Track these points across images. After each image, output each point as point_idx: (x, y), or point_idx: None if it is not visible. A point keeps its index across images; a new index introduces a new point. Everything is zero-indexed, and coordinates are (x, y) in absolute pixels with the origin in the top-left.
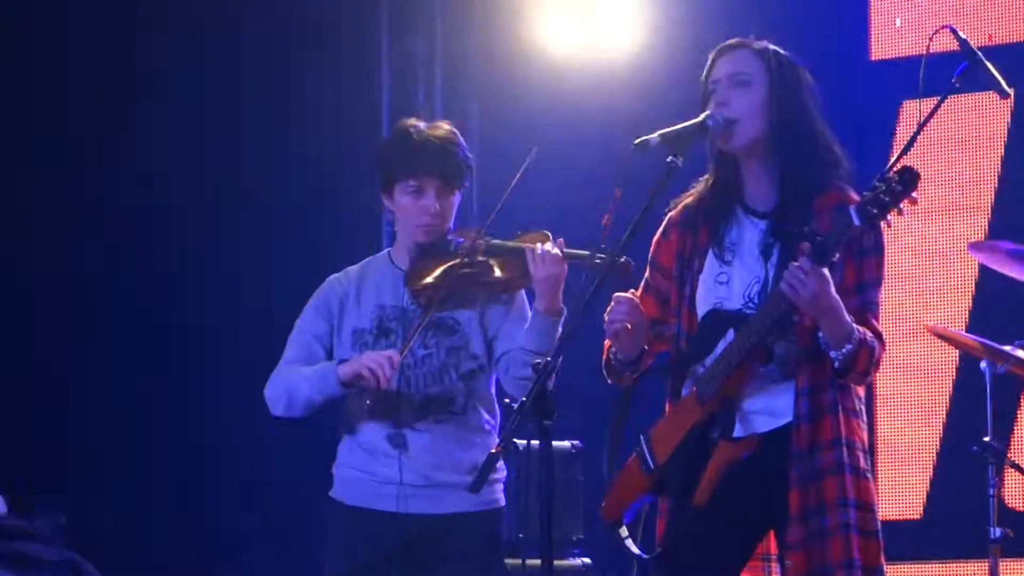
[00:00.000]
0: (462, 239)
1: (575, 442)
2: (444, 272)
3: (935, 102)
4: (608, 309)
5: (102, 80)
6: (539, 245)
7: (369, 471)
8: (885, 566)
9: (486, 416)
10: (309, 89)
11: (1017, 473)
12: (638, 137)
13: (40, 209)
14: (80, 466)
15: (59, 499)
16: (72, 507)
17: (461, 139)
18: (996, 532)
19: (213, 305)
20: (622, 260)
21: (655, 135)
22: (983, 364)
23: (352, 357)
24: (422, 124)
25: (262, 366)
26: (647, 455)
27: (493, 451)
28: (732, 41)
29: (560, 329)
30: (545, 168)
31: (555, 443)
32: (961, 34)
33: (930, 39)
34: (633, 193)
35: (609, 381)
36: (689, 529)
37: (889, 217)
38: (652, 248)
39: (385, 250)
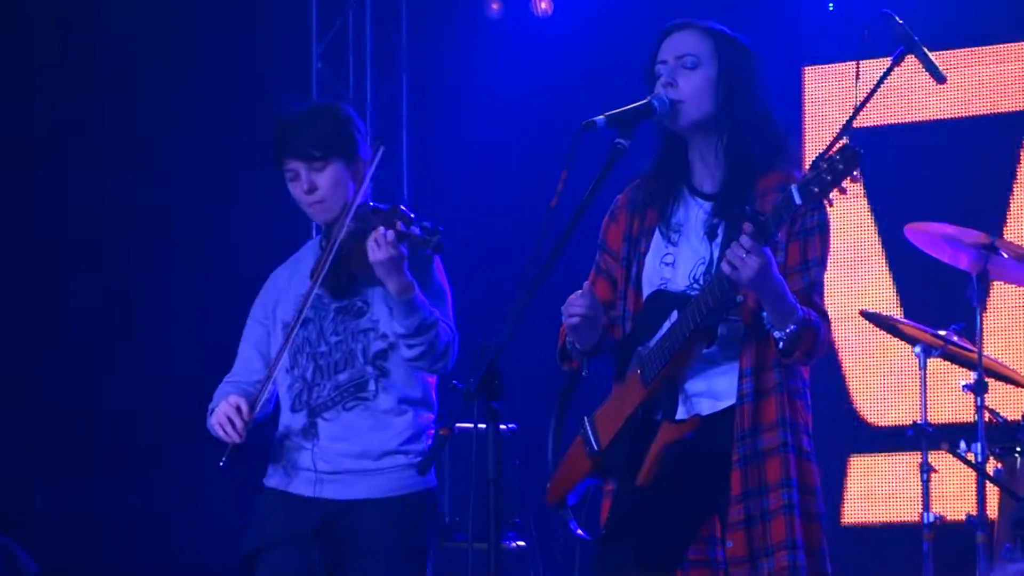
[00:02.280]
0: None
1: (510, 425)
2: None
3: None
4: (566, 303)
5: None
6: (380, 231)
7: (289, 459)
8: (828, 550)
9: (403, 395)
10: (237, 64)
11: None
12: (575, 111)
13: None
14: (10, 450)
15: None
16: (1, 493)
17: (334, 109)
18: (930, 517)
19: (137, 295)
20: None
21: (601, 117)
22: (917, 349)
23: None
24: (291, 109)
25: (190, 353)
26: (591, 437)
27: (442, 433)
28: (679, 21)
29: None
30: (485, 147)
31: (476, 426)
32: (898, 19)
33: (867, 29)
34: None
35: (564, 368)
36: (633, 511)
37: (831, 196)
38: (602, 231)
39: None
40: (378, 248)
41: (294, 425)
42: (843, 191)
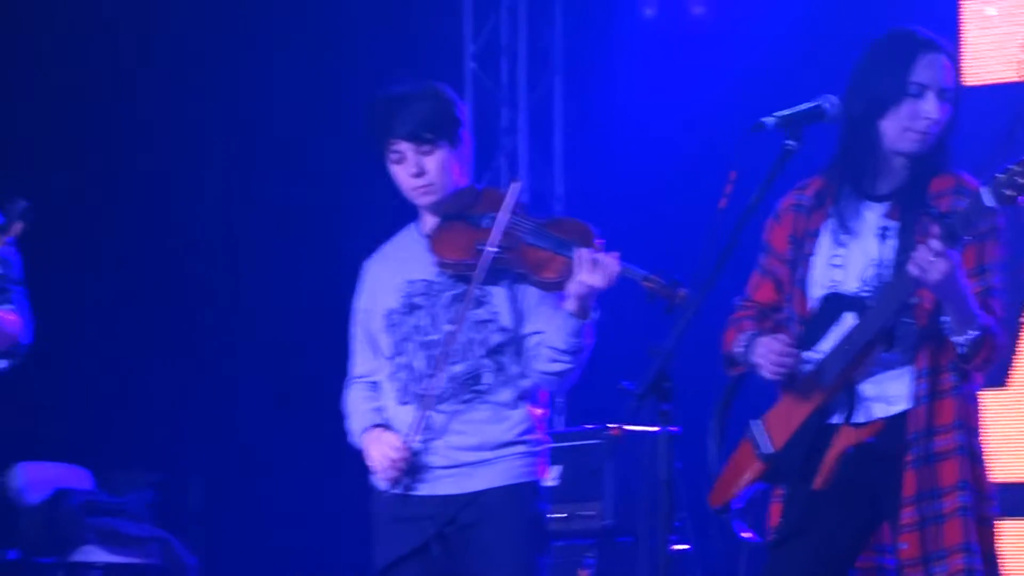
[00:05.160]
0: (489, 214)
1: (674, 428)
2: (475, 249)
3: None
4: (772, 352)
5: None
6: (587, 251)
7: None
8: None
9: (518, 389)
10: (389, 64)
11: None
12: (726, 112)
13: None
14: (168, 446)
15: (148, 478)
16: (160, 486)
17: (438, 91)
18: None
19: (300, 292)
20: (681, 293)
21: (771, 117)
22: None
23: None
24: (395, 88)
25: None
26: (762, 440)
27: (613, 433)
28: (938, 43)
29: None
30: (639, 148)
31: (651, 430)
32: None
33: None
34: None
35: (729, 373)
36: (807, 515)
37: (1022, 198)
38: (765, 232)
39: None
40: (595, 273)
41: (404, 418)
42: None
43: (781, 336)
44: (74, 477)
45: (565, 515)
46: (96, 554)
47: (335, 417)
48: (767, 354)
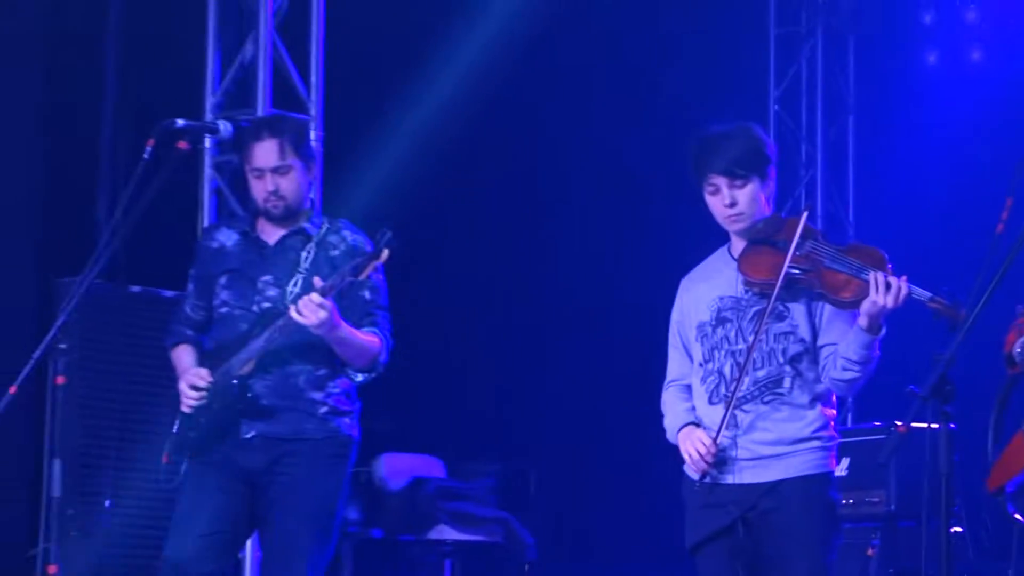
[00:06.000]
0: (791, 240)
1: (952, 426)
2: (777, 269)
3: None
4: None
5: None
6: (881, 275)
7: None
8: None
9: (814, 392)
10: (706, 107)
11: None
12: (1009, 148)
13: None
14: (509, 440)
15: (492, 467)
16: (502, 474)
17: (751, 131)
18: None
19: (625, 304)
20: (963, 313)
21: None
22: None
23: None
24: (713, 129)
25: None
26: None
27: (900, 430)
28: None
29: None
30: (925, 181)
31: (931, 426)
32: None
33: None
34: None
35: (1008, 372)
36: None
37: None
38: None
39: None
40: (887, 296)
41: (713, 416)
42: None
43: None
44: (429, 466)
45: (852, 501)
46: (448, 533)
47: (653, 416)
48: None
